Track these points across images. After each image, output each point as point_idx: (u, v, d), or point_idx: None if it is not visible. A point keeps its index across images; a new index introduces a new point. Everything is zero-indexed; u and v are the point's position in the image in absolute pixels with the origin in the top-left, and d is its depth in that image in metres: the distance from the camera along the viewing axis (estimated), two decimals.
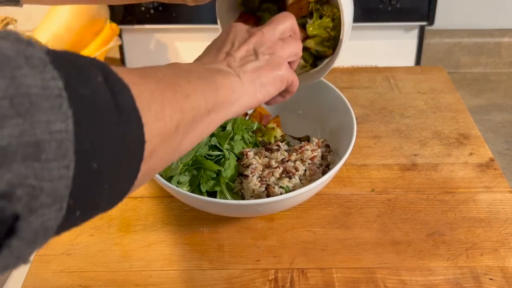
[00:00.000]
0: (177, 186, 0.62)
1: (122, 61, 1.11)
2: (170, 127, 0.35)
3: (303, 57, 0.65)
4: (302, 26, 0.64)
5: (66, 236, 0.65)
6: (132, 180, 0.31)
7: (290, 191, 0.62)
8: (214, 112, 0.42)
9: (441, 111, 0.86)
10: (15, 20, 0.94)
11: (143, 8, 1.03)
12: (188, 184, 0.64)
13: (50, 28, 0.94)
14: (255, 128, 0.73)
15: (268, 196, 0.62)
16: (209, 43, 0.53)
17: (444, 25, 1.07)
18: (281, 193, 0.62)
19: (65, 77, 0.25)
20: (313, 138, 0.70)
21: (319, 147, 0.68)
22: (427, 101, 0.88)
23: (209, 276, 0.60)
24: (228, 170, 0.65)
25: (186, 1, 0.61)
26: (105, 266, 0.61)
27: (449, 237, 0.63)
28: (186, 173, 0.64)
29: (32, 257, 0.28)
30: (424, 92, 0.91)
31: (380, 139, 0.80)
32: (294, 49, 0.53)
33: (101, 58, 0.99)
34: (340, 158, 0.62)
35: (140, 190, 0.71)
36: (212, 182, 0.64)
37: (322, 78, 0.66)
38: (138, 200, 0.70)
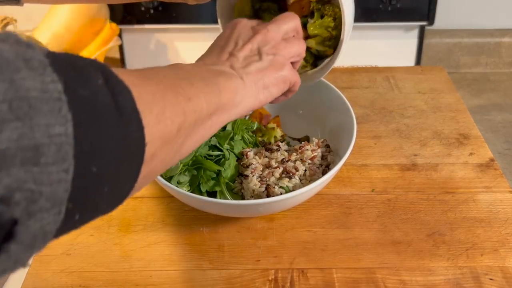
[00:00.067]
0: (177, 186, 0.62)
1: (122, 61, 1.11)
2: (172, 129, 0.34)
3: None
4: (303, 26, 0.64)
5: (66, 236, 0.65)
6: (132, 183, 0.31)
7: (290, 191, 0.61)
8: (216, 115, 0.42)
9: (441, 111, 0.86)
10: (15, 20, 0.94)
11: (143, 8, 1.03)
12: (188, 184, 0.64)
13: (50, 28, 0.94)
14: (255, 128, 0.73)
15: (268, 196, 0.62)
16: (209, 43, 0.52)
17: (444, 25, 1.07)
18: (281, 193, 0.62)
19: (65, 79, 0.25)
20: (313, 138, 0.70)
21: (319, 147, 0.68)
22: (427, 101, 0.88)
23: (209, 276, 0.60)
24: (228, 170, 0.65)
25: (186, 0, 0.61)
26: (105, 266, 0.61)
27: (449, 237, 0.63)
28: (186, 173, 0.64)
29: (30, 261, 0.28)
30: (424, 92, 0.91)
31: (380, 139, 0.80)
32: (297, 49, 0.53)
33: (100, 58, 1.00)
34: (340, 158, 0.62)
35: (140, 190, 0.71)
36: (212, 182, 0.64)
37: (322, 78, 0.66)
38: (138, 200, 0.70)
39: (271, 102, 0.53)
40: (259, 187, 0.63)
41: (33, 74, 0.23)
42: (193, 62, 0.49)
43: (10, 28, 0.94)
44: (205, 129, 0.41)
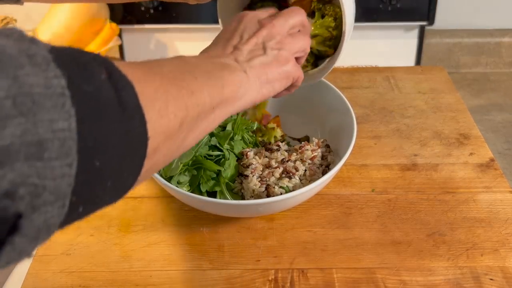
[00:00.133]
0: (177, 186, 0.62)
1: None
2: (174, 124, 0.35)
3: None
4: None
5: (66, 236, 0.65)
6: (135, 176, 0.32)
7: (290, 191, 0.61)
8: (219, 108, 0.42)
9: (441, 111, 0.86)
10: (15, 20, 0.94)
11: (143, 8, 1.03)
12: (188, 184, 0.64)
13: (50, 27, 0.94)
14: (255, 128, 0.73)
15: (268, 196, 0.62)
16: (209, 43, 0.52)
17: (444, 25, 1.07)
18: (281, 193, 0.62)
19: (68, 75, 0.25)
20: (313, 138, 0.70)
21: (319, 147, 0.68)
22: (427, 101, 0.88)
23: (209, 276, 0.60)
24: (228, 170, 0.65)
25: (187, 0, 0.60)
26: (105, 266, 0.61)
27: (450, 237, 0.63)
28: (186, 173, 0.64)
29: (35, 252, 0.28)
30: (424, 92, 0.91)
31: (380, 139, 0.80)
32: (302, 45, 0.53)
33: None
34: (340, 158, 0.62)
35: (140, 190, 0.71)
36: (212, 182, 0.64)
37: (322, 78, 0.66)
38: (138, 200, 0.70)
39: (274, 97, 0.53)
40: (259, 187, 0.63)
41: (37, 70, 0.24)
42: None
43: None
44: (208, 122, 0.41)
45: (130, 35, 1.09)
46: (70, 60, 0.26)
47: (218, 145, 0.66)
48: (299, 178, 0.64)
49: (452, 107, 0.87)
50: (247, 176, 0.64)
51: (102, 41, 0.99)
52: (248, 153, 0.67)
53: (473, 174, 0.73)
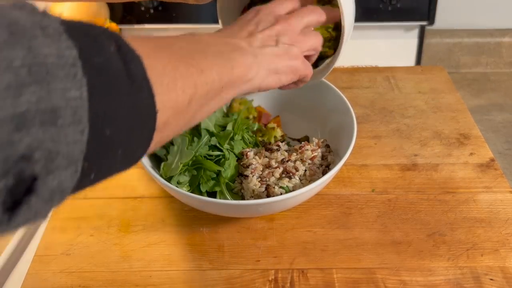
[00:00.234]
0: (177, 186, 0.62)
1: None
2: (183, 99, 0.36)
3: None
4: None
5: (66, 236, 0.65)
6: (145, 148, 0.33)
7: (290, 191, 0.61)
8: (227, 89, 0.43)
9: (441, 111, 0.86)
10: None
11: (143, 8, 1.03)
12: (188, 184, 0.64)
13: None
14: (255, 128, 0.73)
15: (268, 196, 0.62)
16: None
17: (444, 25, 1.07)
18: (281, 193, 0.61)
19: (80, 46, 0.26)
20: (313, 138, 0.70)
21: (319, 147, 0.68)
22: (427, 101, 0.88)
23: (209, 276, 0.60)
24: (228, 170, 0.65)
25: (187, 0, 0.60)
26: (105, 266, 0.61)
27: (450, 237, 0.63)
28: (186, 173, 0.64)
29: (50, 214, 0.29)
30: (424, 92, 0.91)
31: (380, 139, 0.80)
32: (313, 43, 0.54)
33: None
34: (340, 158, 0.62)
35: (140, 190, 0.71)
36: (212, 182, 0.64)
37: (322, 78, 0.66)
38: (138, 200, 0.70)
39: (280, 88, 0.53)
40: (259, 187, 0.63)
41: (49, 41, 0.24)
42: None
43: None
44: (215, 101, 0.42)
45: (130, 35, 1.09)
46: (81, 32, 0.27)
47: (218, 145, 0.66)
48: (299, 178, 0.64)
49: (452, 107, 0.87)
50: (247, 176, 0.64)
51: None
52: (248, 153, 0.66)
53: (473, 174, 0.73)
